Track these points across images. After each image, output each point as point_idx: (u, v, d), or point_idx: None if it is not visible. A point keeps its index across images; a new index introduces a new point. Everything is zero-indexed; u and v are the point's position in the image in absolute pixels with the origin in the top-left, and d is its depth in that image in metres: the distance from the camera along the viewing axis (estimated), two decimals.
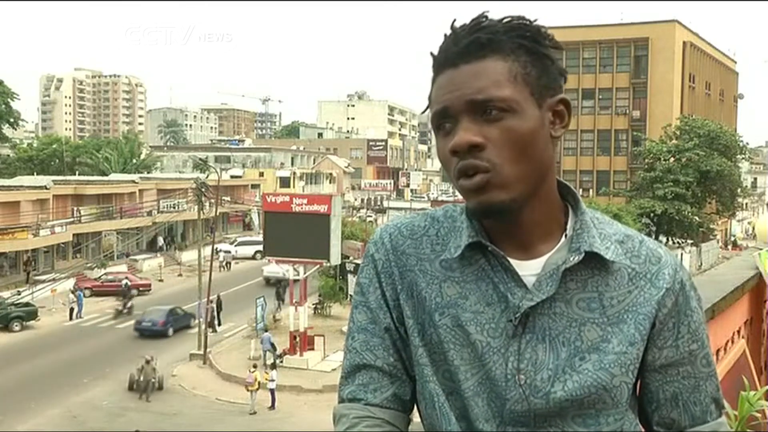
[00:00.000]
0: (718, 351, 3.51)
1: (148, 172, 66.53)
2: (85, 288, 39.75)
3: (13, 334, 32.86)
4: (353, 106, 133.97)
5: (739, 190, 54.02)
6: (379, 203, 77.85)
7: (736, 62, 79.67)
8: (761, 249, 4.91)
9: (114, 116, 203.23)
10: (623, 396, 1.20)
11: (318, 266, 28.97)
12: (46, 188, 45.34)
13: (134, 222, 48.67)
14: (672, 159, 49.38)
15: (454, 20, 1.21)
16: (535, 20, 1.20)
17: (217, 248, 39.81)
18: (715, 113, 65.39)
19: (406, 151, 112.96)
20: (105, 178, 57.23)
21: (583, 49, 60.87)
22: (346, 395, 1.28)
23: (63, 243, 45.03)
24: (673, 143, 50.32)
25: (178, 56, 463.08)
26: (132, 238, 48.31)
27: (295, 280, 27.95)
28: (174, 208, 52.25)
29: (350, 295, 32.37)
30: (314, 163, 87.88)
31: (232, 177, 66.83)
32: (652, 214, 47.76)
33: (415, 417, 1.31)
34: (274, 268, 33.98)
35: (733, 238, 69.11)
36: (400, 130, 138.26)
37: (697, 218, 49.11)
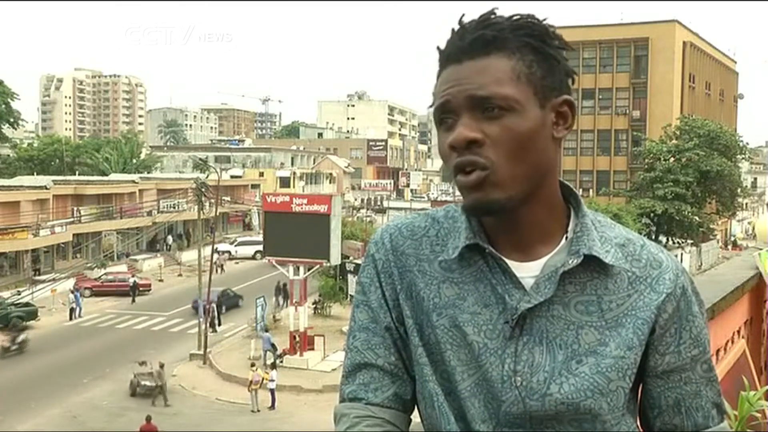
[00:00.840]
0: (718, 351, 3.51)
1: (148, 172, 66.54)
2: (85, 288, 39.77)
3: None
4: (353, 106, 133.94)
5: (739, 190, 53.96)
6: (379, 203, 77.84)
7: (736, 62, 79.65)
8: (761, 249, 4.91)
9: (114, 116, 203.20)
10: (620, 400, 1.19)
11: (318, 266, 28.97)
12: (46, 188, 45.34)
13: (134, 222, 48.68)
14: (672, 159, 49.34)
15: (463, 15, 1.20)
16: (544, 19, 1.20)
17: (216, 248, 39.84)
18: (715, 113, 65.38)
19: (406, 151, 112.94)
20: (105, 178, 57.25)
21: (583, 49, 60.81)
22: (347, 394, 1.28)
23: (63, 243, 45.04)
24: (673, 143, 50.28)
25: (178, 56, 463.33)
26: (132, 238, 48.33)
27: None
28: (174, 208, 52.28)
29: (350, 295, 32.48)
30: (314, 163, 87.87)
31: (232, 177, 66.81)
32: (652, 214, 47.73)
33: (415, 417, 1.31)
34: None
35: (733, 238, 69.10)
36: (400, 130, 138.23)
37: (697, 218, 49.07)
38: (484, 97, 1.14)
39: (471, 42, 1.16)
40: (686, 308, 1.24)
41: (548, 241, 1.23)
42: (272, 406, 24.02)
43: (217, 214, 40.44)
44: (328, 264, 29.27)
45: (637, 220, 45.28)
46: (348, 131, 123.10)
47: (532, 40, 1.17)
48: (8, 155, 69.78)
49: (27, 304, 34.37)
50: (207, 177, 42.64)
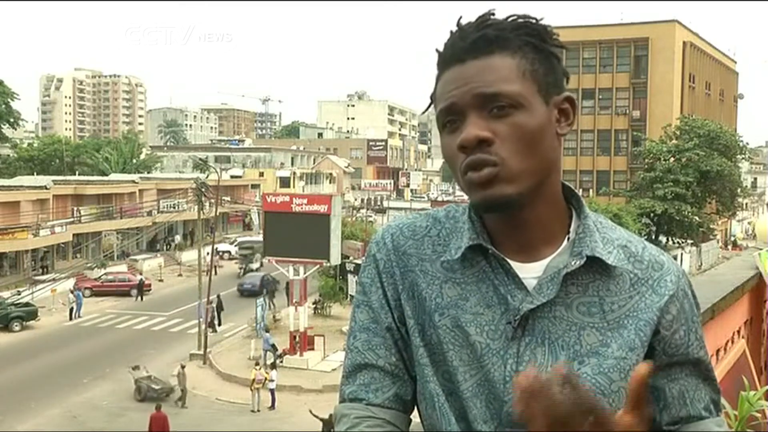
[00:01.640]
0: (718, 351, 3.51)
1: (148, 172, 66.54)
2: (85, 288, 39.76)
3: (13, 334, 32.86)
4: (353, 106, 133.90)
5: (739, 190, 53.97)
6: (379, 203, 77.83)
7: (736, 62, 79.65)
8: (761, 249, 4.91)
9: (114, 116, 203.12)
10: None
11: (318, 266, 28.96)
12: (46, 188, 45.34)
13: (134, 222, 48.68)
14: (672, 159, 49.33)
15: (461, 17, 1.21)
16: (541, 19, 1.21)
17: (216, 248, 39.88)
18: (715, 113, 65.37)
19: (406, 151, 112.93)
20: (105, 178, 57.23)
21: (583, 49, 60.83)
22: (348, 395, 1.28)
23: (63, 243, 45.04)
24: (673, 143, 50.28)
25: (178, 56, 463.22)
26: (132, 238, 48.32)
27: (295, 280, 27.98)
28: (174, 208, 52.27)
29: (350, 295, 32.48)
30: (314, 163, 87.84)
31: (232, 177, 66.83)
32: (652, 214, 47.72)
33: (415, 417, 1.31)
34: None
35: (733, 238, 69.10)
36: (400, 130, 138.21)
37: (697, 218, 49.06)
38: (493, 95, 1.14)
39: (473, 42, 1.16)
40: (690, 310, 1.25)
41: (551, 242, 1.23)
42: (272, 406, 24.04)
43: (217, 214, 40.44)
44: (328, 264, 29.28)
45: (637, 220, 45.27)
46: (348, 131, 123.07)
47: (533, 39, 1.18)
48: (8, 155, 69.73)
49: (27, 304, 34.38)
50: (207, 177, 42.65)
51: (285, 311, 31.61)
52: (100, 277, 42.48)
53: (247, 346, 29.33)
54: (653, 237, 47.04)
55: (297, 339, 27.68)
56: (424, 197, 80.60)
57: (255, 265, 46.25)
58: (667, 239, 48.89)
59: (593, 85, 61.49)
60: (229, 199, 54.85)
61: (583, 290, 1.20)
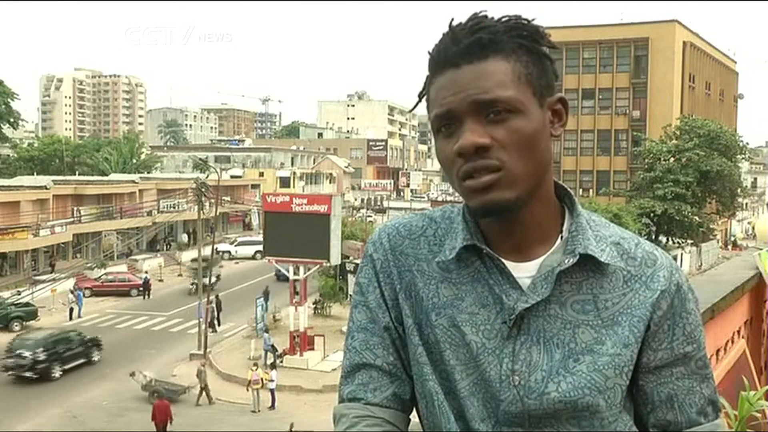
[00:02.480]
0: (718, 351, 3.51)
1: (148, 172, 66.53)
2: (85, 288, 39.75)
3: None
4: (353, 106, 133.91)
5: (739, 190, 53.98)
6: (379, 203, 77.85)
7: (736, 62, 79.65)
8: (761, 249, 4.91)
9: (114, 116, 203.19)
10: (617, 398, 1.20)
11: (318, 266, 28.95)
12: (46, 188, 45.33)
13: (134, 222, 48.67)
14: (672, 159, 49.34)
15: (452, 19, 1.19)
16: (533, 19, 1.20)
17: (216, 248, 39.86)
18: (715, 113, 65.37)
19: (406, 151, 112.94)
20: (105, 178, 57.22)
21: (583, 49, 60.84)
22: (346, 395, 1.28)
23: (63, 243, 45.03)
24: (673, 143, 50.28)
25: (178, 56, 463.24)
26: (132, 238, 48.32)
27: (295, 280, 27.95)
28: (174, 208, 52.27)
29: (350, 295, 32.45)
30: (314, 163, 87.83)
31: (232, 177, 66.80)
32: (652, 214, 47.72)
33: (415, 417, 1.31)
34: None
35: (733, 238, 69.11)
36: (400, 130, 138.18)
37: (697, 218, 49.08)
38: (490, 101, 1.14)
39: (467, 46, 1.15)
40: (680, 305, 1.24)
41: (544, 241, 1.23)
42: (272, 406, 24.04)
43: (217, 214, 40.45)
44: (328, 264, 29.27)
45: (637, 220, 45.26)
46: (348, 131, 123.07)
47: (526, 41, 1.17)
48: (8, 155, 69.75)
49: (27, 304, 34.37)
50: (207, 177, 42.66)
51: (285, 311, 31.59)
52: (100, 277, 42.48)
53: (247, 347, 29.33)
54: (653, 237, 47.03)
55: (297, 339, 27.68)
56: (424, 197, 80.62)
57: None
58: (667, 239, 48.89)
59: (593, 85, 61.50)
60: (229, 199, 54.86)
61: (577, 288, 1.20)
